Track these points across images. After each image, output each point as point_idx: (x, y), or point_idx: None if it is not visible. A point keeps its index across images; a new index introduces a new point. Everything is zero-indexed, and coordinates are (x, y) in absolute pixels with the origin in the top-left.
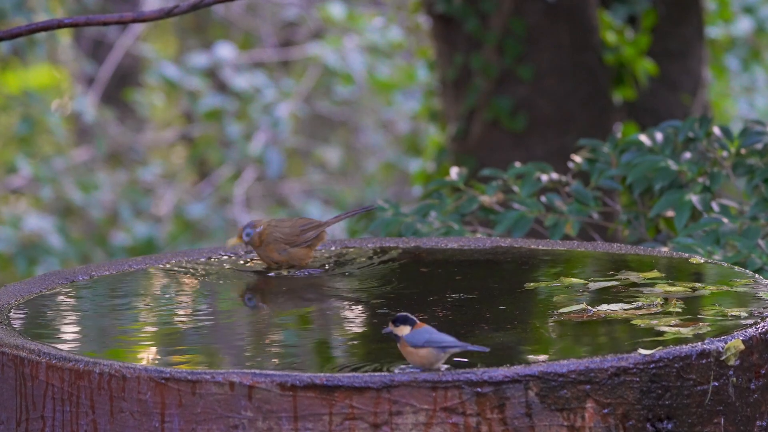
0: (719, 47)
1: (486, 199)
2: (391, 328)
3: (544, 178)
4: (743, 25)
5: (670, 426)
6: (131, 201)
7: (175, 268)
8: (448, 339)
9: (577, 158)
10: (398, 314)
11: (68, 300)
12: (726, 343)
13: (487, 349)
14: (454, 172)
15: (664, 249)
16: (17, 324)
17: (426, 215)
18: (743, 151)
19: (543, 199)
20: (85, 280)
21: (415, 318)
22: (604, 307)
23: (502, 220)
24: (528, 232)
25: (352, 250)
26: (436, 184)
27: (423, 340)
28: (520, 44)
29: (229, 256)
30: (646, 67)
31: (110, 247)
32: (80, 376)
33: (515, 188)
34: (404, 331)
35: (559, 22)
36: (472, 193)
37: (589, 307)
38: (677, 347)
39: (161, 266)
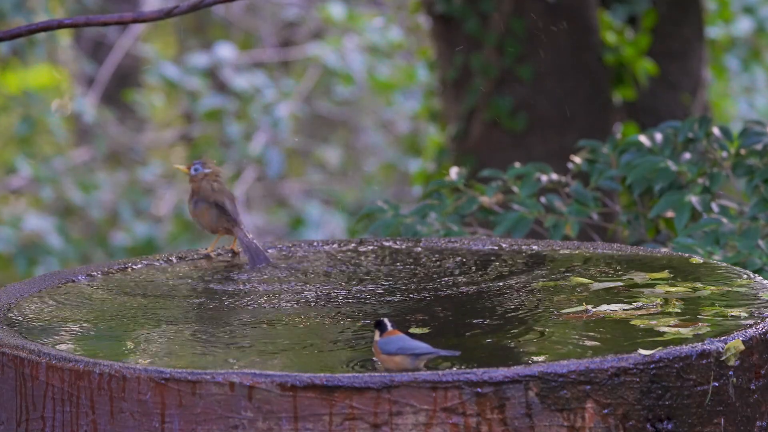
0: (719, 47)
1: (486, 200)
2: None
3: (544, 178)
4: (743, 25)
5: (670, 426)
6: (131, 201)
7: (174, 268)
8: (420, 346)
9: (577, 159)
10: (378, 319)
11: (68, 300)
12: (726, 343)
13: (458, 353)
14: (454, 172)
15: (664, 249)
16: (17, 324)
17: (425, 216)
18: (743, 151)
19: (543, 199)
20: (85, 280)
21: (387, 324)
22: (604, 307)
23: (501, 221)
24: (528, 233)
25: (351, 249)
26: (436, 184)
27: (396, 347)
28: (520, 44)
29: (227, 256)
30: (646, 67)
31: (110, 247)
32: (80, 377)
33: (515, 189)
34: (376, 335)
35: (559, 22)
36: (472, 194)
37: (589, 307)
38: (677, 347)
39: (161, 266)
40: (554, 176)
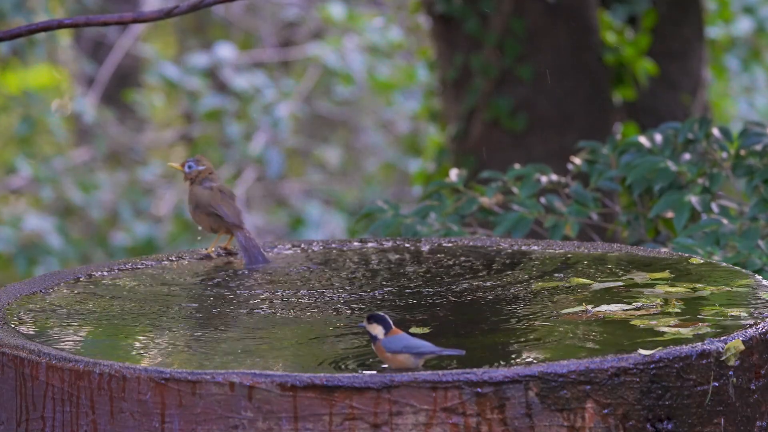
0: (719, 47)
1: (485, 200)
2: (365, 324)
3: (544, 179)
4: (743, 25)
5: (670, 426)
6: (131, 201)
7: (174, 268)
8: (424, 345)
9: (577, 160)
10: (373, 313)
11: (68, 300)
12: (726, 343)
13: (463, 352)
14: (454, 173)
15: (664, 249)
16: (17, 324)
17: (425, 216)
18: (743, 152)
19: (542, 200)
20: (85, 280)
21: (390, 321)
22: (603, 307)
23: (501, 222)
24: (527, 233)
25: (351, 249)
26: (436, 185)
27: (401, 346)
28: (520, 44)
29: (226, 257)
30: (646, 67)
31: (110, 247)
32: (80, 377)
33: (515, 190)
34: (377, 330)
35: (559, 22)
36: (472, 194)
37: (589, 307)
38: (677, 347)
39: (160, 266)
40: (554, 177)
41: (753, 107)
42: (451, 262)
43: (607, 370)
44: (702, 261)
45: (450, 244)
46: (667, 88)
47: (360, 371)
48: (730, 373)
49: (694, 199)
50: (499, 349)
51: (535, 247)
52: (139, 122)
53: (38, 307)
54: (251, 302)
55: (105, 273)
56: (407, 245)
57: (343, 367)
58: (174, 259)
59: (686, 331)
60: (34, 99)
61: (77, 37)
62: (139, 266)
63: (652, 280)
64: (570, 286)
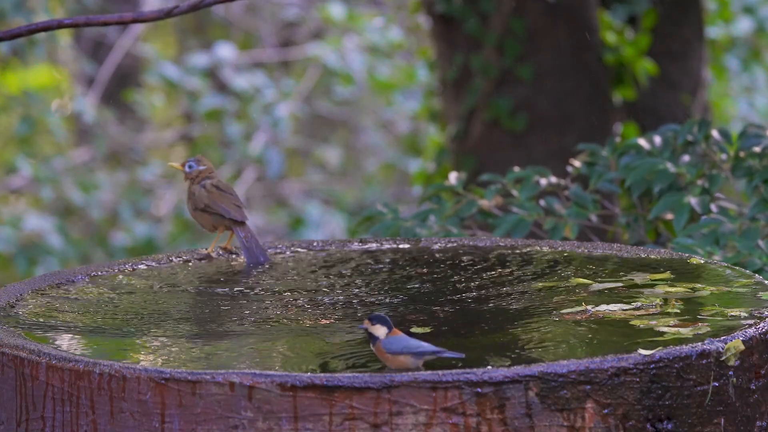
0: (719, 47)
1: (485, 202)
2: (366, 325)
3: (543, 181)
4: (743, 25)
5: (670, 426)
6: (131, 201)
7: (175, 268)
8: (424, 346)
9: (576, 162)
10: (375, 313)
11: (69, 300)
12: (726, 343)
13: (463, 355)
14: (453, 176)
15: (664, 250)
16: (17, 324)
17: (425, 219)
18: (742, 153)
19: (542, 202)
20: (85, 280)
21: (391, 322)
22: (603, 307)
23: (501, 224)
24: (527, 235)
25: (351, 249)
26: (435, 188)
27: (401, 347)
28: (520, 44)
29: (226, 256)
30: (646, 67)
31: (110, 247)
32: (80, 377)
33: (514, 192)
34: (379, 331)
35: (559, 22)
36: (471, 197)
37: (589, 307)
38: (677, 347)
39: (160, 266)
40: (553, 179)
41: (753, 107)
42: (451, 263)
43: (607, 370)
44: (702, 261)
45: (450, 245)
46: (667, 88)
47: (360, 371)
48: (730, 373)
49: (693, 200)
50: (499, 349)
51: (535, 248)
52: (139, 122)
53: (38, 307)
54: (251, 302)
55: (105, 273)
56: (407, 246)
57: (343, 367)
58: (174, 259)
59: (686, 331)
60: (34, 99)
61: (77, 37)
62: (139, 266)
63: (652, 280)
64: (570, 286)
